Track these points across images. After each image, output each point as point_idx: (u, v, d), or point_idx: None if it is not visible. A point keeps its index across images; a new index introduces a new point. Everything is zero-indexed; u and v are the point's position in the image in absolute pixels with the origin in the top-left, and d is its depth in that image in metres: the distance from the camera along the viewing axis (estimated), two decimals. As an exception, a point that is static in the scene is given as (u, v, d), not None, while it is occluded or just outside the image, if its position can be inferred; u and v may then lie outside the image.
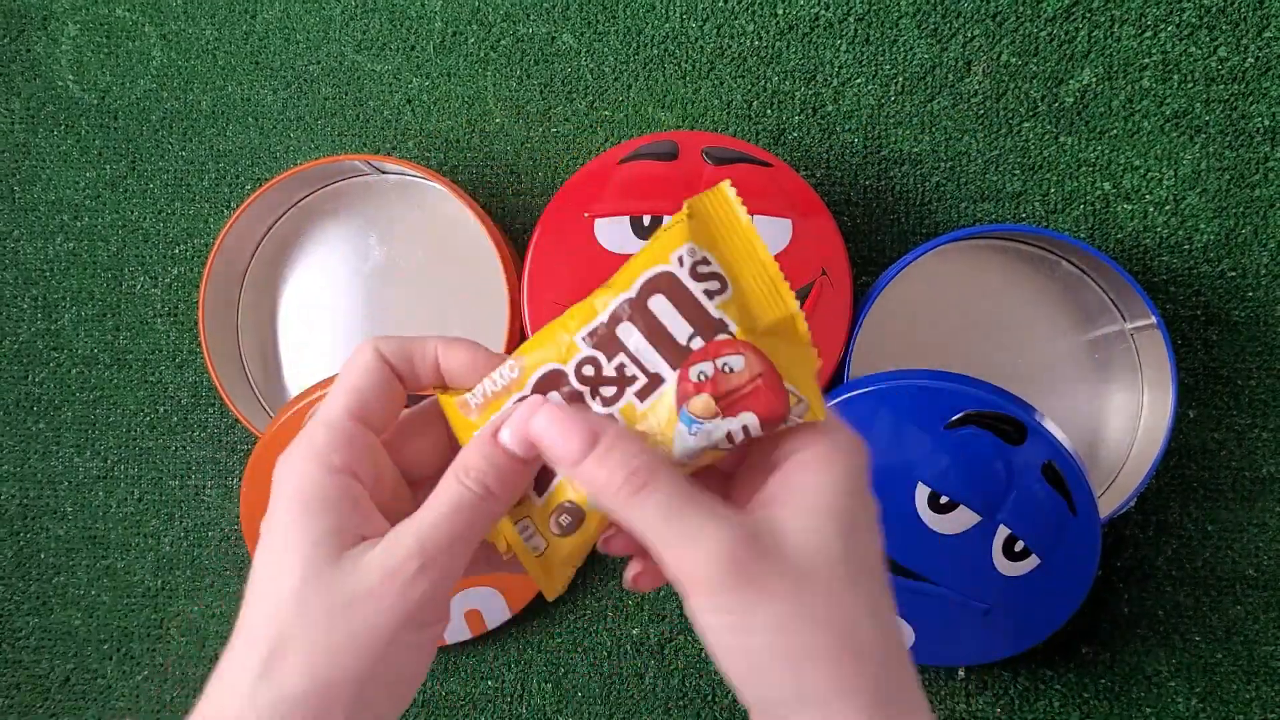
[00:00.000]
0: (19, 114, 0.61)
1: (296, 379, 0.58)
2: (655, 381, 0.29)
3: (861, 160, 0.57)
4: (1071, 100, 0.55)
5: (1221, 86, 0.54)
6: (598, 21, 0.57)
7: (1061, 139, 0.55)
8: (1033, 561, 0.47)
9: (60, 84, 0.61)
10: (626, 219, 0.51)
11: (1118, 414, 0.55)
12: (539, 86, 0.58)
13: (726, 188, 0.30)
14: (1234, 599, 0.55)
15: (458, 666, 0.58)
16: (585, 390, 0.29)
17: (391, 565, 0.27)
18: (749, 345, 0.29)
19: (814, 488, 0.28)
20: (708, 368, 0.28)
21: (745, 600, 0.26)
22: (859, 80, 0.56)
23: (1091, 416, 0.55)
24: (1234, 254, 0.55)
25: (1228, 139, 0.55)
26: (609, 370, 0.29)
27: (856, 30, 0.56)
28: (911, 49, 0.56)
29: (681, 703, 0.57)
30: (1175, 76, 0.55)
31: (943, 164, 0.56)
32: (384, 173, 0.57)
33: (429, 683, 0.58)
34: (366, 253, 0.58)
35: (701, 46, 0.57)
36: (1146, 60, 0.55)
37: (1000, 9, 0.55)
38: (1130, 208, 0.55)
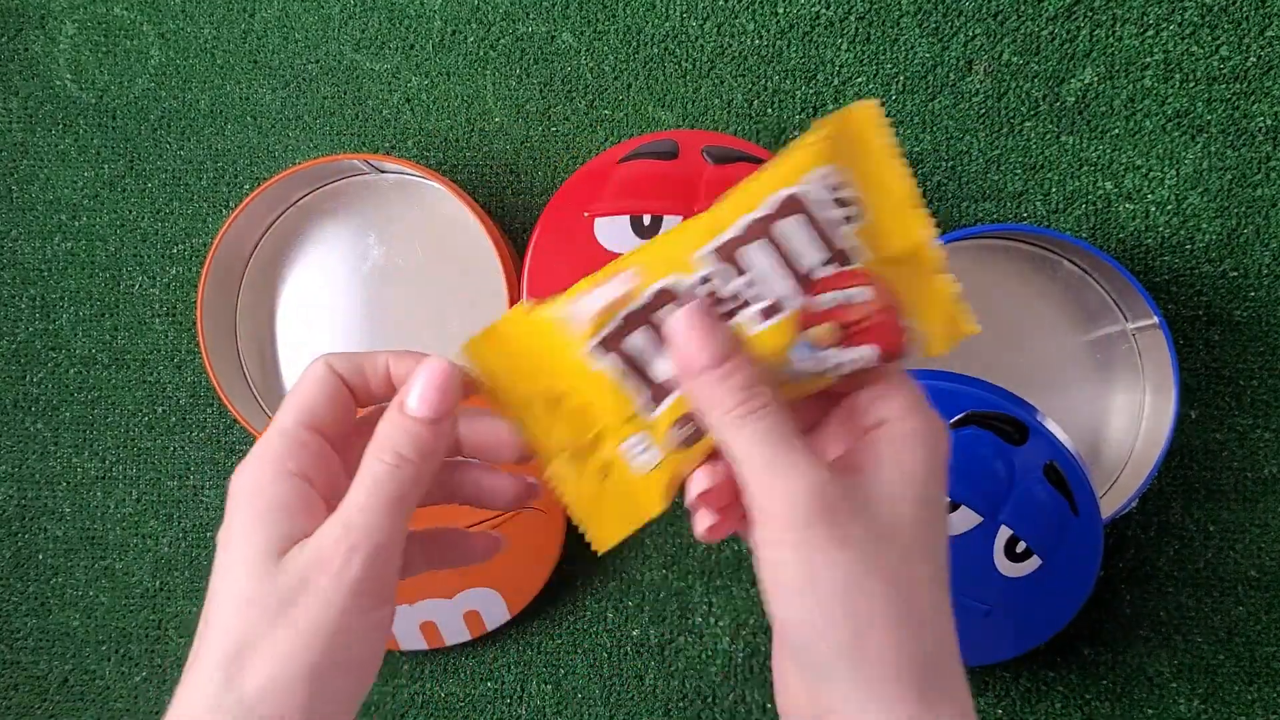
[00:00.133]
0: (16, 113, 0.61)
1: (295, 379, 0.58)
2: (775, 307, 0.28)
3: (862, 159, 0.56)
4: (1073, 99, 0.55)
5: (1223, 86, 0.54)
6: (597, 20, 0.57)
7: (1063, 138, 0.55)
8: (1034, 562, 0.47)
9: (58, 83, 0.60)
10: (626, 218, 0.51)
11: (1119, 414, 0.55)
12: (538, 85, 0.58)
13: (872, 105, 0.29)
14: (1236, 600, 0.55)
15: (457, 668, 0.58)
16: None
17: (323, 554, 0.28)
18: (874, 277, 0.28)
19: (903, 458, 0.28)
20: (835, 296, 0.28)
21: (820, 540, 0.27)
22: (860, 79, 0.56)
23: (1093, 417, 0.55)
24: (1236, 254, 0.55)
25: (1230, 138, 0.54)
26: (727, 290, 0.28)
27: (857, 29, 0.56)
28: (912, 48, 0.56)
29: (682, 704, 0.57)
30: (1177, 76, 0.54)
31: (944, 163, 0.56)
32: (383, 172, 0.57)
33: (428, 684, 0.58)
34: (365, 252, 0.57)
35: (702, 45, 0.57)
36: (1148, 59, 0.55)
37: (1001, 8, 0.55)
38: (1132, 207, 0.55)
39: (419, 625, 0.55)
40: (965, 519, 0.47)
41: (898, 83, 0.56)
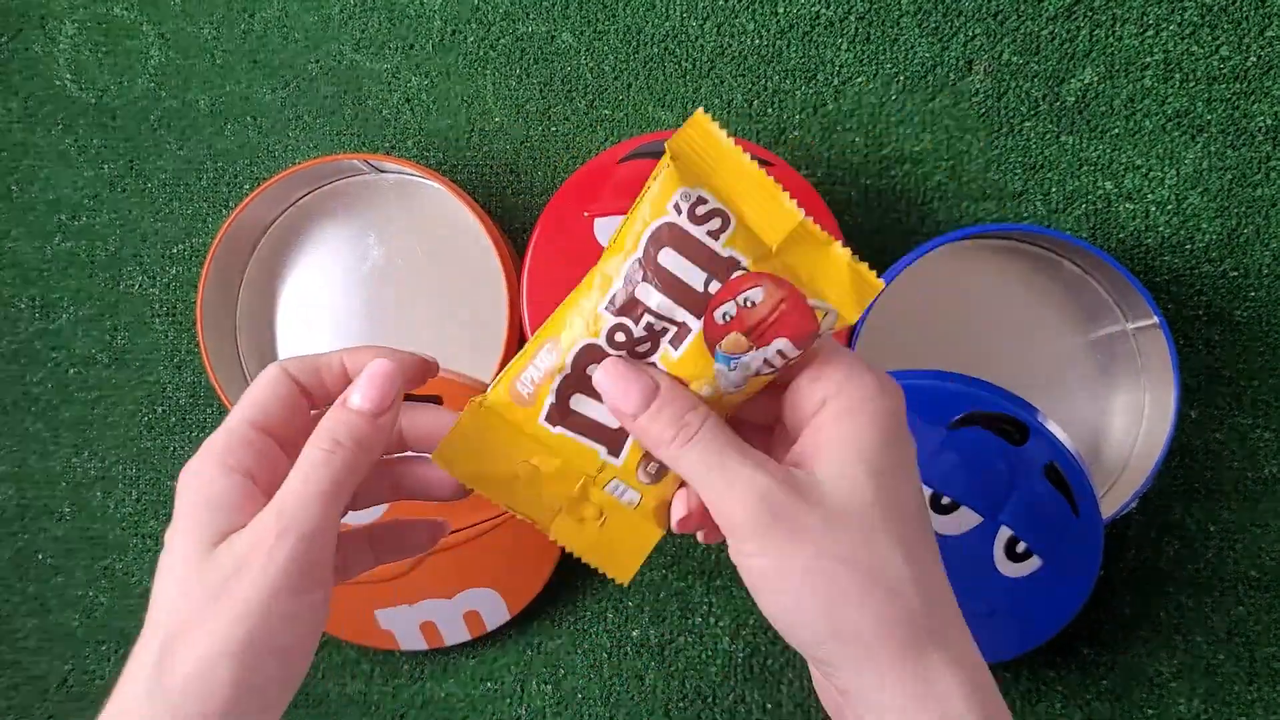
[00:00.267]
0: (17, 113, 0.61)
1: (295, 379, 0.58)
2: (684, 330, 0.30)
3: (862, 159, 0.56)
4: (1073, 99, 0.55)
5: (1223, 86, 0.54)
6: (597, 20, 0.57)
7: (1063, 138, 0.55)
8: (1034, 563, 0.47)
9: (58, 83, 0.60)
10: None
11: (1120, 414, 0.54)
12: (538, 85, 0.58)
13: (700, 117, 0.30)
14: (1236, 600, 0.55)
15: (457, 668, 0.58)
16: (621, 354, 0.30)
17: (253, 538, 0.28)
18: (765, 275, 0.29)
19: (844, 436, 0.29)
20: (730, 308, 0.29)
21: (779, 542, 0.28)
22: (860, 79, 0.56)
23: (1093, 417, 0.55)
24: (1236, 254, 0.55)
25: (1229, 138, 0.54)
26: (639, 331, 0.30)
27: (857, 29, 0.56)
28: (913, 48, 0.56)
29: (682, 704, 0.57)
30: (1177, 75, 0.54)
31: (944, 163, 0.56)
32: (383, 172, 0.57)
33: (428, 684, 0.58)
34: (365, 252, 0.57)
35: (702, 45, 0.57)
36: (1148, 59, 0.55)
37: (1001, 8, 0.55)
38: (1132, 207, 0.55)
39: (419, 625, 0.55)
40: (965, 519, 0.47)
41: (898, 83, 0.56)
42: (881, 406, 0.29)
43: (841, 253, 0.30)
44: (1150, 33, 0.54)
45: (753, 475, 0.28)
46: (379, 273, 0.57)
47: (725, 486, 0.28)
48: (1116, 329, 0.54)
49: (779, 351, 0.29)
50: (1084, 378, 0.55)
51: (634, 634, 0.58)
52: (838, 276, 0.30)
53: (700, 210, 0.29)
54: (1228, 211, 0.55)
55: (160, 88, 0.60)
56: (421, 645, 0.56)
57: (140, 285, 0.60)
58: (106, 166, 0.60)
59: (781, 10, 0.56)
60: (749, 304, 0.29)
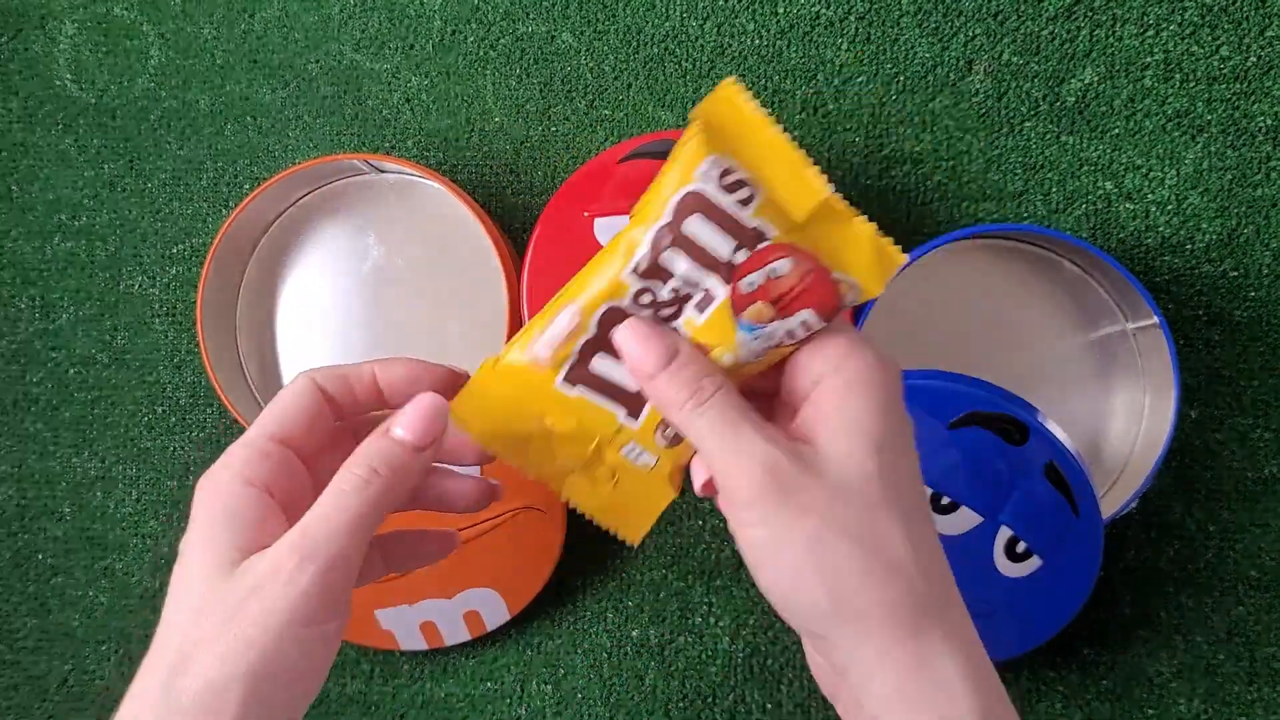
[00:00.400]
0: (16, 113, 0.61)
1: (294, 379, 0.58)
2: (709, 296, 0.29)
3: (863, 159, 0.56)
4: (1073, 99, 0.55)
5: (1223, 86, 0.54)
6: (597, 20, 0.57)
7: (1063, 138, 0.55)
8: (1034, 563, 0.47)
9: (58, 83, 0.60)
10: (626, 218, 0.51)
11: (1120, 414, 0.54)
12: (538, 85, 0.58)
13: (729, 84, 0.30)
14: (1236, 600, 0.55)
15: (456, 668, 0.58)
16: (647, 316, 0.30)
17: (276, 562, 0.27)
18: (792, 246, 0.29)
19: (845, 411, 0.29)
20: (757, 277, 0.29)
21: (781, 514, 0.28)
22: (860, 79, 0.56)
23: (1093, 417, 0.55)
24: (1236, 254, 0.55)
25: (1230, 138, 0.54)
26: (664, 295, 0.30)
27: (857, 29, 0.56)
28: (913, 48, 0.56)
29: (682, 704, 0.57)
30: (1177, 76, 0.54)
31: (944, 163, 0.56)
32: (383, 172, 0.57)
33: (428, 684, 0.58)
34: (365, 252, 0.57)
35: (702, 45, 0.57)
36: (1148, 59, 0.55)
37: (1002, 8, 0.55)
38: (1132, 207, 0.55)
39: (419, 625, 0.55)
40: (965, 519, 0.47)
41: (898, 83, 0.56)
42: (881, 382, 0.29)
43: (865, 227, 0.30)
44: (1150, 33, 0.54)
45: (761, 446, 0.28)
46: (379, 273, 0.57)
47: (733, 455, 0.28)
48: (1116, 329, 0.54)
49: (803, 323, 0.29)
50: (1084, 378, 0.55)
51: (634, 634, 0.58)
52: (861, 250, 0.30)
53: (728, 180, 0.29)
54: (1228, 211, 0.55)
55: (160, 88, 0.60)
56: (421, 645, 0.56)
57: (140, 285, 0.60)
58: (106, 166, 0.60)
59: (781, 10, 0.56)
60: (775, 275, 0.29)
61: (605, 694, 0.57)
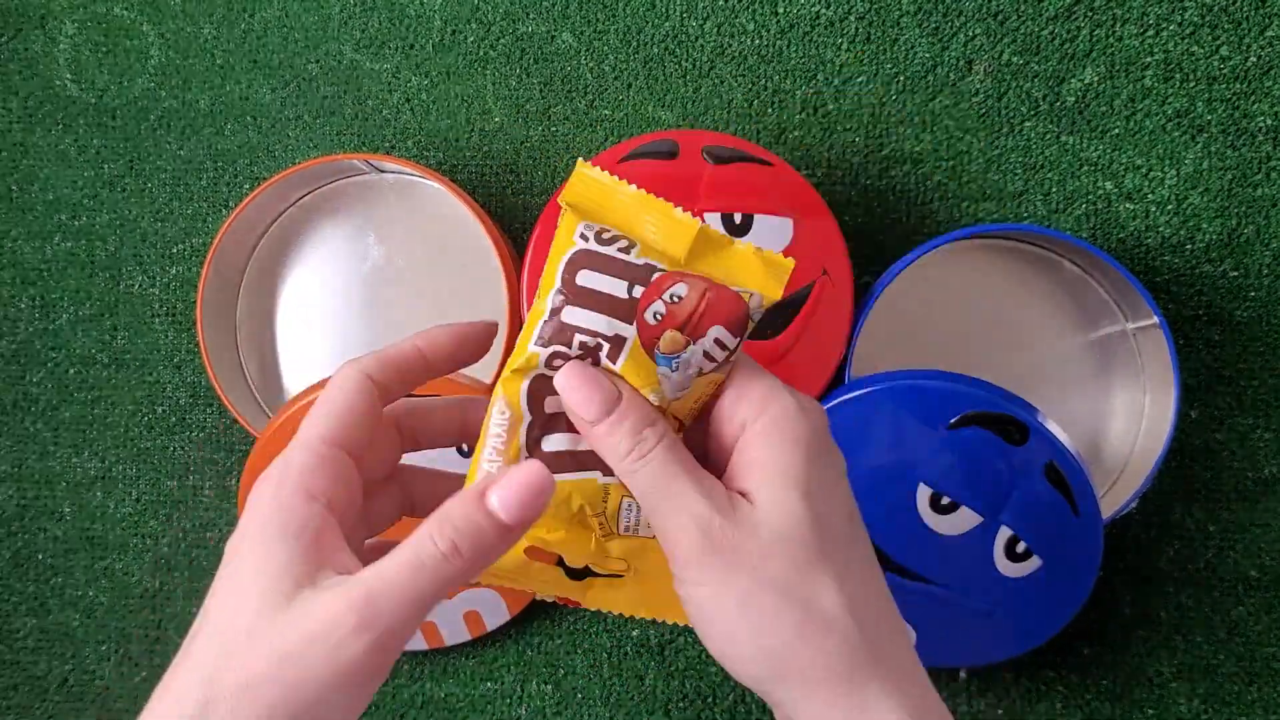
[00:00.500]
0: (16, 113, 0.61)
1: (294, 379, 0.58)
2: (619, 340, 0.29)
3: (863, 159, 0.56)
4: (1073, 99, 0.55)
5: (1223, 86, 0.54)
6: (597, 20, 0.57)
7: (1063, 138, 0.55)
8: (1034, 562, 0.47)
9: (58, 83, 0.60)
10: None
11: (1120, 414, 0.54)
12: (538, 85, 0.58)
13: (579, 167, 0.31)
14: (1236, 600, 0.55)
15: (456, 668, 0.58)
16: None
17: (332, 619, 0.25)
18: (685, 273, 0.29)
19: (772, 458, 0.28)
20: (659, 305, 0.29)
21: (715, 573, 0.27)
22: (860, 79, 0.56)
23: (1093, 417, 0.55)
24: (1236, 254, 0.55)
25: (1230, 138, 0.54)
26: (574, 352, 0.29)
27: (857, 29, 0.56)
28: (913, 48, 0.56)
29: (682, 704, 0.57)
30: (1177, 75, 0.54)
31: (944, 163, 0.56)
32: (383, 172, 0.57)
33: (428, 684, 0.58)
34: (365, 252, 0.57)
35: (702, 45, 0.57)
36: (1148, 59, 0.55)
37: (1002, 8, 0.55)
38: (1132, 207, 0.55)
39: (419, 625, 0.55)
40: (965, 519, 0.47)
41: (898, 83, 0.56)
42: (803, 425, 0.29)
43: (746, 247, 0.30)
44: (1150, 33, 0.54)
45: (697, 502, 0.27)
46: (379, 272, 0.57)
47: (671, 512, 0.28)
48: (1116, 329, 0.54)
49: (716, 340, 0.29)
50: (1084, 378, 0.55)
51: (634, 634, 0.58)
52: (750, 267, 0.30)
53: (606, 235, 0.30)
54: (1228, 211, 0.55)
55: (160, 88, 0.60)
56: (421, 645, 0.56)
57: (140, 285, 0.60)
58: (106, 166, 0.60)
59: (781, 10, 0.56)
60: (676, 298, 0.29)
61: (605, 694, 0.57)
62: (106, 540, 0.61)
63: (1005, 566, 0.47)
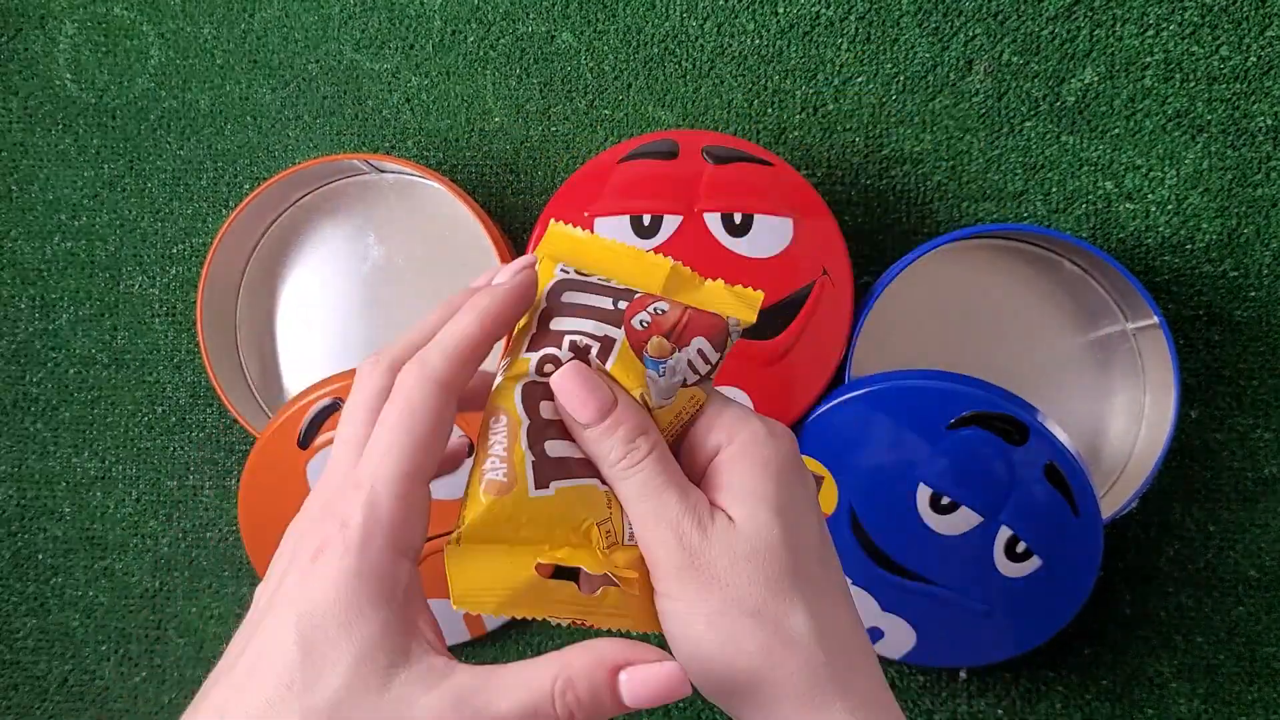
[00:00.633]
0: (16, 113, 0.61)
1: (294, 379, 0.58)
2: (609, 341, 0.30)
3: (863, 159, 0.56)
4: (1073, 99, 0.55)
5: (1224, 86, 0.54)
6: (597, 20, 0.57)
7: (1063, 138, 0.55)
8: (1034, 562, 0.47)
9: (58, 83, 0.60)
10: (626, 218, 0.51)
11: (1120, 414, 0.54)
12: (538, 85, 0.58)
13: (552, 225, 0.33)
14: (1236, 600, 0.55)
15: (457, 668, 0.58)
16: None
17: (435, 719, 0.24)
18: (664, 295, 0.31)
19: (743, 480, 0.29)
20: (645, 315, 0.30)
21: (689, 588, 0.28)
22: (860, 79, 0.56)
23: (1093, 417, 0.55)
24: (1236, 254, 0.55)
25: (1230, 138, 0.54)
26: (565, 355, 0.30)
27: (857, 29, 0.56)
28: (913, 48, 0.56)
29: (682, 704, 0.57)
30: (1177, 75, 0.54)
31: (944, 163, 0.56)
32: (383, 172, 0.57)
33: (428, 684, 0.58)
34: (365, 252, 0.57)
35: (702, 45, 0.57)
36: (1148, 59, 0.55)
37: (1002, 8, 0.55)
38: (1132, 207, 0.55)
39: (419, 625, 0.55)
40: (965, 519, 0.47)
41: (898, 82, 0.56)
42: (773, 449, 0.29)
43: (715, 283, 0.32)
44: (1150, 33, 0.54)
45: (679, 517, 0.28)
46: (379, 272, 0.57)
47: (654, 525, 0.28)
48: (1116, 329, 0.54)
49: (699, 351, 0.30)
50: (1084, 378, 0.55)
51: (633, 634, 0.57)
52: (721, 299, 0.31)
53: (584, 271, 0.31)
54: (1228, 211, 0.55)
55: (160, 88, 0.60)
56: (421, 645, 0.56)
57: (140, 285, 0.60)
58: (106, 166, 0.60)
59: (781, 10, 0.56)
60: (659, 311, 0.30)
61: (605, 694, 0.57)
62: (106, 540, 0.61)
63: (1005, 566, 0.47)
